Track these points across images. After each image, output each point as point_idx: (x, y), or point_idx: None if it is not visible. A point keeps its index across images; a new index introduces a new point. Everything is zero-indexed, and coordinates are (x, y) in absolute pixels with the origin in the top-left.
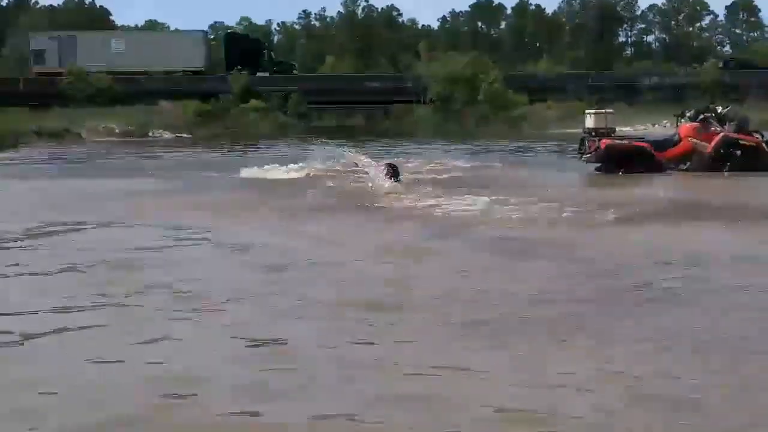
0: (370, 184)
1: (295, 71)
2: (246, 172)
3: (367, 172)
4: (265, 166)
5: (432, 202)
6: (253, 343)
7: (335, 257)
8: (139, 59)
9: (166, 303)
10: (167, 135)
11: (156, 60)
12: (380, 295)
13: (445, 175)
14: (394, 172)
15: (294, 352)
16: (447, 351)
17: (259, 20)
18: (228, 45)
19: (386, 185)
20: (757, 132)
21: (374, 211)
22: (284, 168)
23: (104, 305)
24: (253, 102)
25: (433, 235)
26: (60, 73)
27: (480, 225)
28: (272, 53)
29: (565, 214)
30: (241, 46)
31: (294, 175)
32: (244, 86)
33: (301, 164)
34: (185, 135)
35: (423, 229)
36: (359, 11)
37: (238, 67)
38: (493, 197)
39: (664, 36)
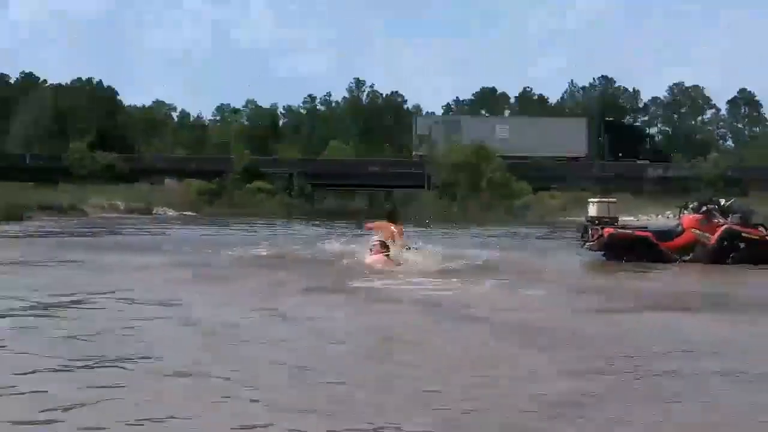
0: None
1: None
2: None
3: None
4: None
5: (428, 283)
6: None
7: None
8: (523, 144)
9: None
10: (171, 212)
11: (539, 145)
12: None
13: (447, 263)
14: (384, 246)
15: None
16: None
17: (264, 103)
18: (608, 132)
19: (375, 259)
20: (762, 225)
21: (356, 292)
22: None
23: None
24: (257, 183)
25: (423, 317)
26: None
27: (471, 308)
28: (652, 140)
29: (560, 299)
30: (622, 134)
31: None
32: (245, 166)
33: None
34: (190, 213)
35: (406, 309)
36: (364, 97)
37: (620, 154)
38: (491, 280)
39: (667, 128)
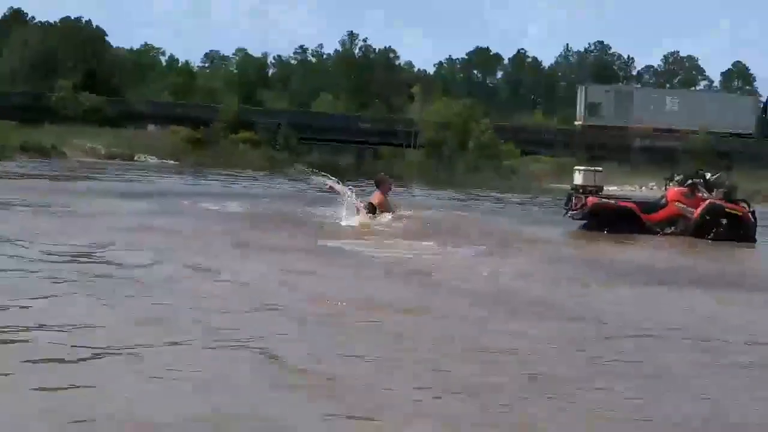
0: (343, 216)
1: None
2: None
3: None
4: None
5: (403, 247)
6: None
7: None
8: (692, 119)
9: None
10: (153, 160)
11: (707, 120)
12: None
13: (425, 223)
14: (371, 208)
15: None
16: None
17: (255, 52)
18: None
19: (359, 219)
20: (744, 201)
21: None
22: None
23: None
24: (243, 133)
25: (386, 279)
26: (610, 127)
27: (437, 274)
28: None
29: (537, 271)
30: None
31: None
32: (233, 116)
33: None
34: (171, 161)
35: (377, 272)
36: (356, 50)
37: None
38: (472, 247)
39: None
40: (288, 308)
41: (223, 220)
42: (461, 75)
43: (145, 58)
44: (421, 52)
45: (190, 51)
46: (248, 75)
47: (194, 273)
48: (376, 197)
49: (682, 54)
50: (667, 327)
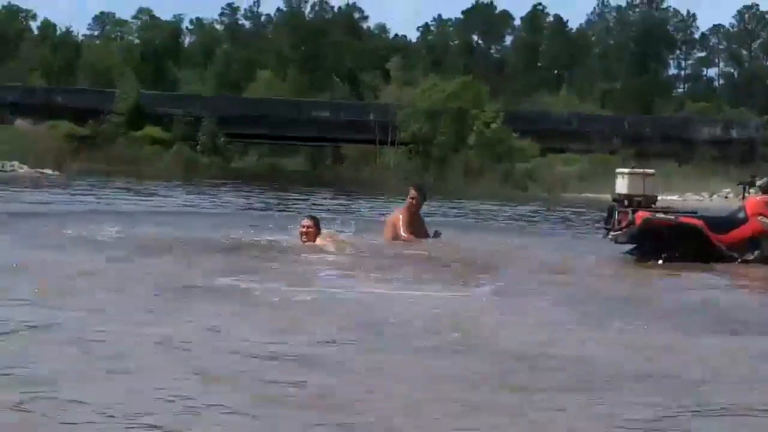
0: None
1: None
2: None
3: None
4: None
5: (380, 287)
6: None
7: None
8: None
9: None
10: (23, 169)
11: None
12: None
13: (410, 251)
14: (315, 223)
15: None
16: None
17: (165, 15)
18: None
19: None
20: None
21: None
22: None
23: None
24: (149, 129)
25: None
26: None
27: (443, 329)
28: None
29: (573, 322)
30: None
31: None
32: (133, 105)
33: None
34: (50, 171)
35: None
36: (307, 10)
37: None
38: (473, 287)
39: (731, 69)
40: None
41: (120, 252)
42: (456, 42)
43: (8, 25)
44: (399, 10)
45: (72, 14)
46: (155, 47)
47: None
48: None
49: (763, 8)
50: None
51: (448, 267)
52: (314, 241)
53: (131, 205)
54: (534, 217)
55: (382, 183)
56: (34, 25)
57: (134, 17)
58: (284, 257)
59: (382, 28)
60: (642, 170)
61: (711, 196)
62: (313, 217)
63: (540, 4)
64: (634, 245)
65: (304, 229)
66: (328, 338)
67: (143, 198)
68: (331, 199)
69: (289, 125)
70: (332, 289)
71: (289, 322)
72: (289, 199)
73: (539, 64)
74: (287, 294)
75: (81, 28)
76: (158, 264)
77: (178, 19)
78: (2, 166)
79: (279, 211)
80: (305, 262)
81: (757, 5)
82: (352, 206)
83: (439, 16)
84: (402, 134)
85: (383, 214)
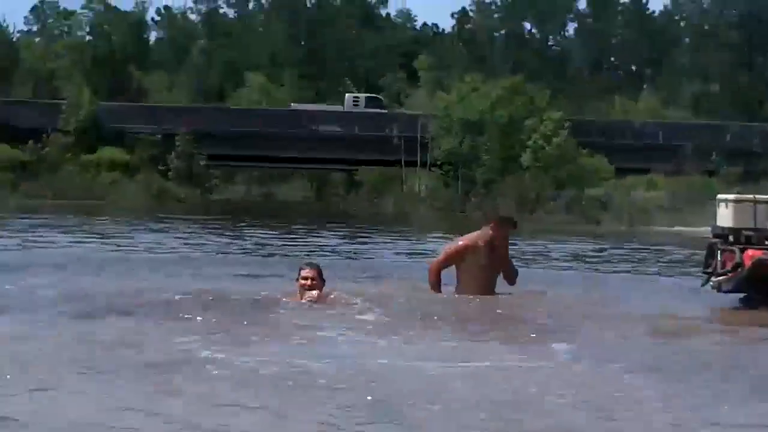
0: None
1: None
2: None
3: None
4: None
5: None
6: None
7: None
8: None
9: None
10: None
11: None
12: None
13: (438, 307)
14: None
15: None
16: None
17: (124, 3)
18: None
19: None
20: None
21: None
22: None
23: None
24: (107, 151)
25: None
26: None
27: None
28: None
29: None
30: None
31: None
32: (86, 121)
33: None
34: None
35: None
36: None
37: None
38: (559, 347)
39: None
40: None
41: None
42: (502, 32)
43: None
44: None
45: (3, 4)
46: (112, 45)
47: None
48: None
49: None
50: None
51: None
52: (317, 297)
53: (77, 250)
54: (611, 257)
55: (410, 217)
56: None
57: (84, 7)
58: (281, 318)
59: (407, 16)
60: (751, 196)
61: None
62: (314, 266)
63: None
64: (745, 292)
65: (306, 282)
66: None
67: (94, 239)
68: (341, 239)
69: (287, 143)
70: (352, 361)
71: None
72: (287, 239)
73: (612, 60)
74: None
75: (16, 23)
76: (114, 331)
77: (141, 9)
78: None
79: (271, 255)
80: (309, 326)
81: None
82: (371, 249)
83: None
84: (435, 153)
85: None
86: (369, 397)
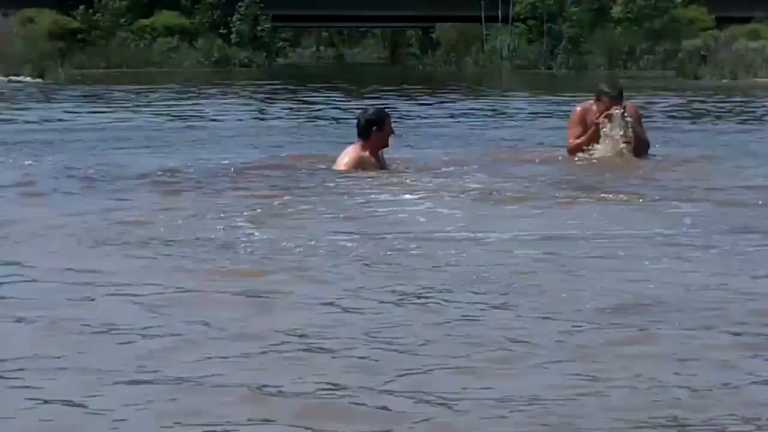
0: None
1: None
2: None
3: None
4: None
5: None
6: None
7: None
8: None
9: None
10: None
11: None
12: None
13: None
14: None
15: None
16: None
17: None
18: None
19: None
20: None
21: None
22: None
23: None
24: (163, 15)
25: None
26: None
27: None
28: None
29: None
30: None
31: None
32: None
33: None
34: (29, 78)
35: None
36: None
37: None
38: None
39: None
40: None
41: None
42: None
43: None
44: None
45: None
46: None
47: None
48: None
49: None
50: None
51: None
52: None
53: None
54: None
55: (493, 77)
56: None
57: None
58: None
59: None
60: None
61: None
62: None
63: None
64: None
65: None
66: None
67: (151, 111)
68: (417, 104)
69: (357, 4)
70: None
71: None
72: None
73: None
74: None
75: None
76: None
77: None
78: None
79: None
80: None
81: None
82: (448, 114)
83: None
84: (518, 7)
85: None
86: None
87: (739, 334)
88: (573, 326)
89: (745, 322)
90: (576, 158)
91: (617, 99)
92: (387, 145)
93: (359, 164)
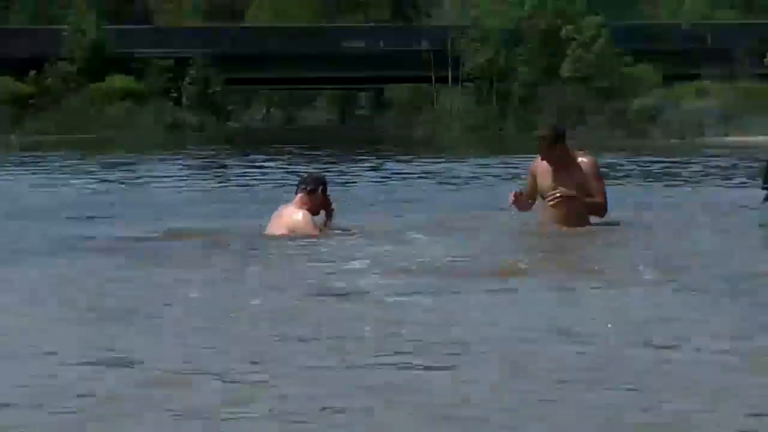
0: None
1: None
2: None
3: None
4: None
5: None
6: None
7: None
8: None
9: None
10: None
11: None
12: None
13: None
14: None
15: None
16: None
17: None
18: None
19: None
20: None
21: None
22: None
23: None
24: (115, 79)
25: None
26: None
27: None
28: None
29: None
30: None
31: None
32: (92, 46)
33: None
34: None
35: None
36: None
37: None
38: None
39: None
40: None
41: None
42: None
43: None
44: None
45: None
46: None
47: None
48: None
49: None
50: None
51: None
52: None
53: (89, 190)
54: (666, 172)
55: (443, 138)
56: None
57: None
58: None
59: None
60: None
61: None
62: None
63: None
64: None
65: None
66: None
67: (103, 175)
68: (369, 168)
69: (309, 62)
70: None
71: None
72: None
73: None
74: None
75: None
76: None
77: None
78: None
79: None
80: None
81: None
82: (405, 174)
83: None
84: (467, 67)
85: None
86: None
87: None
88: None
89: None
90: (523, 226)
91: (550, 142)
92: (326, 211)
93: (306, 219)
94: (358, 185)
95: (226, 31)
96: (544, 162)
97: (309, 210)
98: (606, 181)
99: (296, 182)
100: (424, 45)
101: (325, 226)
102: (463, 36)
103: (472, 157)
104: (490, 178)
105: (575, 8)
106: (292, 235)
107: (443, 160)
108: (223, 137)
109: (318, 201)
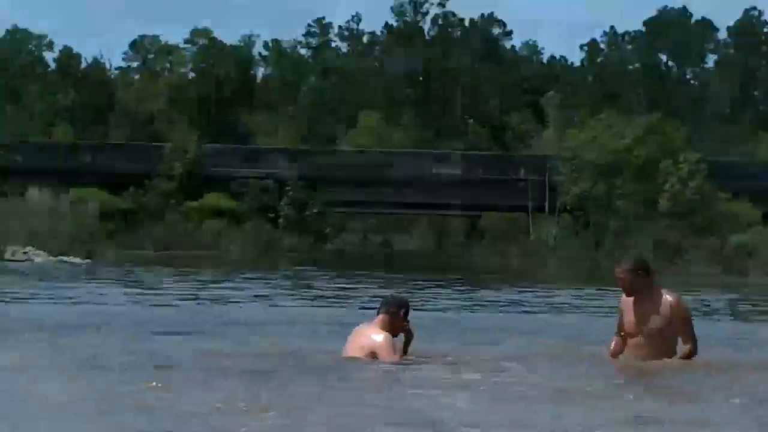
0: None
1: None
2: None
3: None
4: None
5: None
6: None
7: None
8: None
9: None
10: (40, 256)
11: None
12: None
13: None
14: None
15: None
16: None
17: (229, 36)
18: None
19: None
20: None
21: None
22: None
23: None
24: (212, 198)
25: None
26: None
27: None
28: None
29: None
30: None
31: None
32: (190, 165)
33: None
34: (78, 260)
35: None
36: (426, 23)
37: None
38: None
39: None
40: None
41: None
42: (637, 66)
43: (16, 57)
44: (554, 22)
45: (102, 39)
46: (218, 81)
47: None
48: None
49: None
50: None
51: None
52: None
53: (184, 307)
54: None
55: (537, 269)
56: (49, 56)
57: (187, 41)
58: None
59: (533, 48)
60: None
61: None
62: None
63: (755, 8)
64: None
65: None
66: None
67: (198, 292)
68: (452, 294)
69: (405, 189)
70: None
71: None
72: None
73: (755, 94)
74: None
75: (114, 59)
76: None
77: (248, 43)
78: (12, 254)
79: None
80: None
81: None
82: (483, 302)
83: (612, 29)
84: (565, 198)
85: None
86: None
87: None
88: None
89: None
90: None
91: (629, 275)
92: (405, 335)
93: (388, 343)
94: (444, 310)
95: (322, 156)
96: (629, 297)
97: (389, 333)
98: (697, 318)
99: (378, 303)
100: (523, 173)
101: (404, 351)
102: (561, 166)
103: (566, 288)
104: (585, 307)
105: (675, 143)
106: (372, 359)
107: (538, 289)
108: (317, 259)
109: (399, 324)
